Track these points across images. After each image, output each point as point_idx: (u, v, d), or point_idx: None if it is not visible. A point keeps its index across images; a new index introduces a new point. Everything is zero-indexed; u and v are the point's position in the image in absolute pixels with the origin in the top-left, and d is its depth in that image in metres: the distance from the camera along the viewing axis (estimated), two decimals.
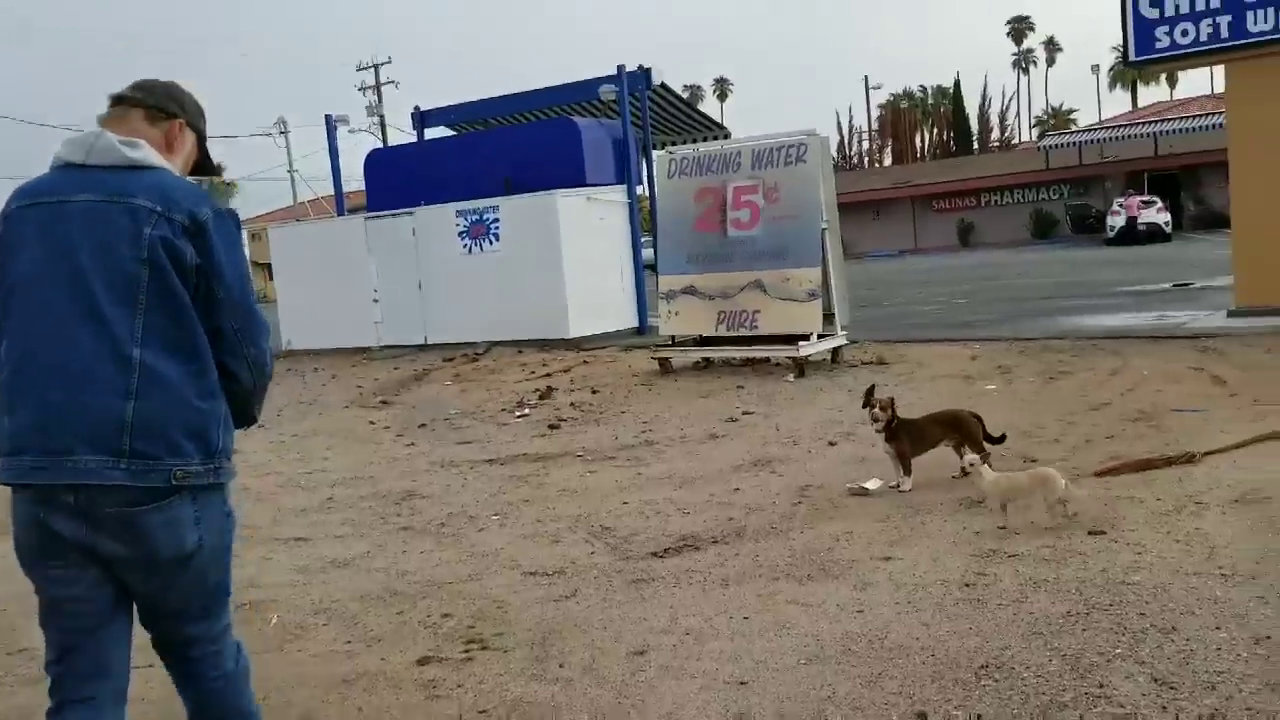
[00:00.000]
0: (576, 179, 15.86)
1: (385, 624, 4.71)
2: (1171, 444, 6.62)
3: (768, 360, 11.86)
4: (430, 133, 19.48)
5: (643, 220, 17.73)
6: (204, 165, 2.87)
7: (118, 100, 2.68)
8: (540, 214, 15.47)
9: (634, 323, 16.49)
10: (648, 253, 19.05)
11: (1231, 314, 12.61)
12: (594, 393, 11.14)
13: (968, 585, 4.47)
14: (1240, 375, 8.86)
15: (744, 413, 9.33)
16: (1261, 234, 12.26)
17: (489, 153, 17.02)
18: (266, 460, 8.84)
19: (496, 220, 15.90)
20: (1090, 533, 4.99)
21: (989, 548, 4.95)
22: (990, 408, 8.27)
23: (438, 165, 17.42)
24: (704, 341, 12.36)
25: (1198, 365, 9.56)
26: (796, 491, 6.37)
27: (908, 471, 6.10)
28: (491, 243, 15.97)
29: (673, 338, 12.49)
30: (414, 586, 5.19)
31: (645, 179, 16.90)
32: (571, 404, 10.57)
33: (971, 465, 5.47)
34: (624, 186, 16.48)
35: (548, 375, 12.65)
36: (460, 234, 16.25)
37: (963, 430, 6.14)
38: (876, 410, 6.19)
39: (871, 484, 6.16)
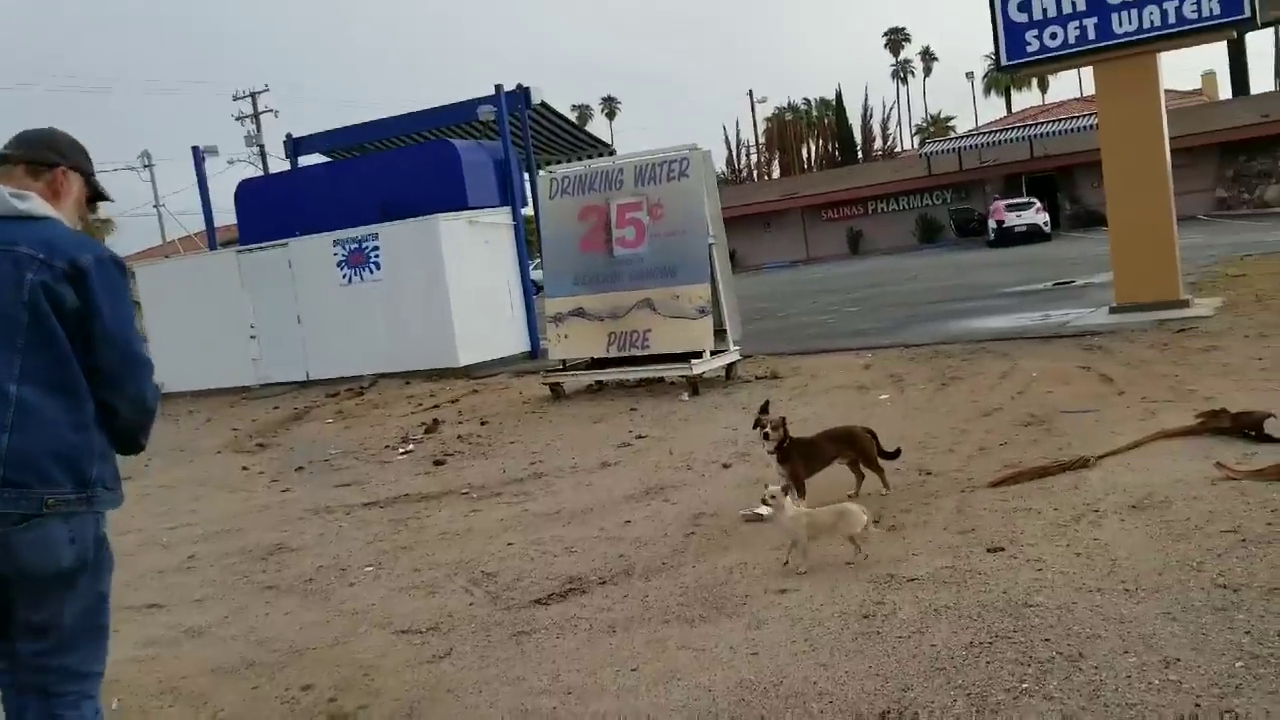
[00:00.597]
0: (458, 202, 15.42)
1: (238, 701, 4.25)
2: (1065, 448, 6.52)
3: (662, 380, 11.59)
4: (306, 160, 18.80)
5: (534, 241, 17.37)
6: (97, 198, 3.01)
7: (1, 159, 2.83)
8: (422, 239, 14.98)
9: (525, 347, 16.09)
10: (539, 274, 18.75)
11: (1113, 310, 12.79)
12: (483, 424, 10.71)
13: (866, 617, 4.21)
14: (1126, 373, 8.88)
15: (637, 436, 9.02)
16: (1136, 232, 12.45)
17: (366, 179, 16.47)
18: (128, 515, 8.18)
19: (376, 248, 15.35)
20: (989, 550, 4.79)
21: (887, 573, 4.71)
22: (884, 419, 8.14)
23: (313, 194, 16.80)
24: (596, 364, 12.04)
25: (1085, 364, 9.58)
26: (689, 521, 6.07)
27: (801, 493, 5.84)
28: (372, 271, 15.41)
29: (564, 361, 12.14)
30: (273, 655, 4.73)
31: (531, 200, 16.53)
32: (459, 437, 10.13)
33: (772, 498, 4.99)
34: (508, 208, 16.10)
35: (435, 407, 12.17)
36: (339, 263, 15.65)
37: (857, 447, 5.92)
38: (768, 429, 5.93)
39: (766, 509, 5.88)
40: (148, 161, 46.41)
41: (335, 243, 15.73)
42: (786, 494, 5.06)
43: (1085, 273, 20.51)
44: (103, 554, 2.75)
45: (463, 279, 15.06)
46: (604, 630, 4.52)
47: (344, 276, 15.68)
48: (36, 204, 2.74)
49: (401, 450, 9.85)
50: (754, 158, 78.17)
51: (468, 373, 14.76)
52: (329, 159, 19.12)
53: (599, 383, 12.03)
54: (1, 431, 2.54)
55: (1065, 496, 5.45)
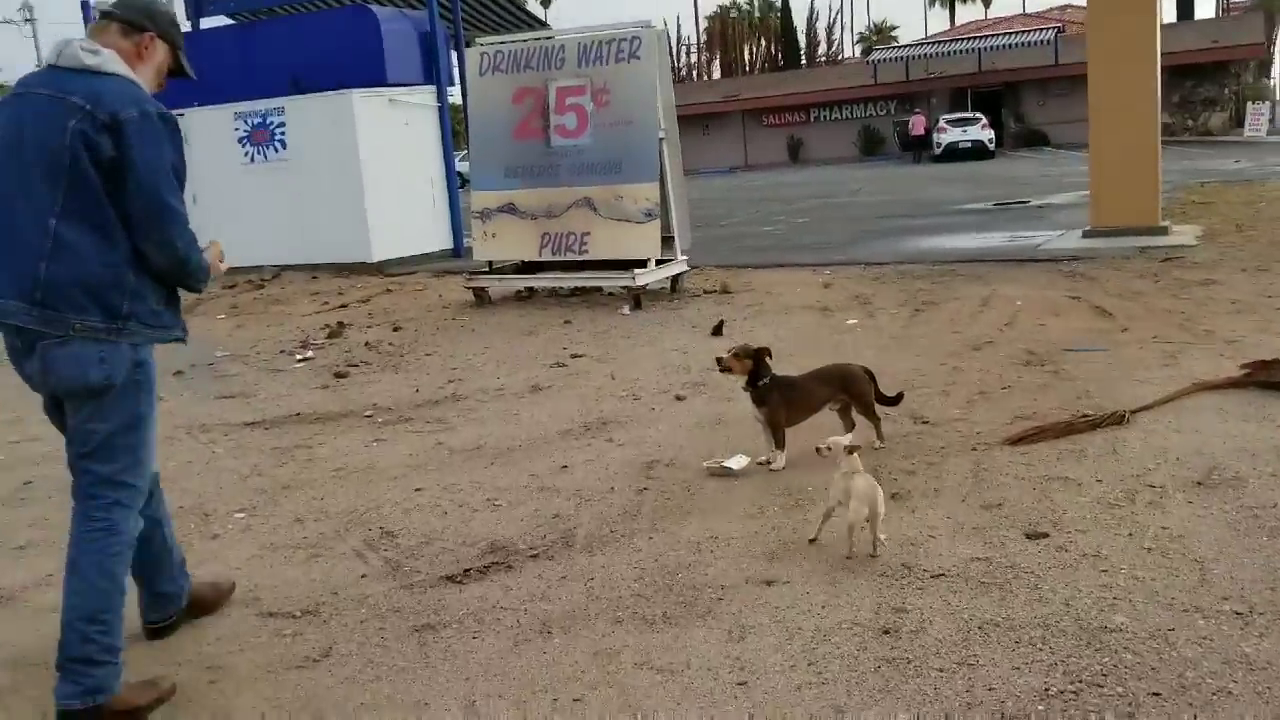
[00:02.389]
0: (376, 77, 13.78)
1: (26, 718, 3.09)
2: (1083, 397, 5.53)
3: (599, 290, 10.39)
4: (207, 23, 16.85)
5: (461, 130, 15.86)
6: (178, 70, 3.29)
7: (103, 14, 3.14)
8: (334, 117, 13.39)
9: (448, 244, 14.70)
10: (464, 165, 17.28)
11: (1087, 234, 11.88)
12: (395, 329, 9.44)
13: (887, 632, 3.17)
14: (1124, 305, 7.94)
15: (573, 355, 7.85)
16: (1120, 153, 11.46)
17: (274, 46, 14.62)
18: None
19: (282, 124, 13.73)
20: (1029, 536, 3.77)
21: (900, 561, 3.67)
22: (856, 349, 7.13)
23: (214, 60, 14.82)
24: (526, 267, 10.78)
25: (1073, 293, 8.63)
26: (640, 470, 4.96)
27: (780, 444, 4.76)
28: (277, 150, 13.81)
29: (490, 263, 10.86)
30: None
31: (459, 80, 14.98)
32: (366, 344, 8.86)
33: (830, 450, 3.88)
34: (432, 88, 14.51)
35: (343, 307, 10.85)
36: (241, 140, 14.01)
37: (853, 390, 4.83)
38: (728, 359, 4.77)
39: (735, 461, 4.80)
40: (29, 15, 42.84)
41: (237, 116, 14.07)
42: (852, 453, 3.82)
43: (1037, 193, 19.72)
44: (139, 377, 3.07)
45: (379, 164, 13.54)
46: (536, 630, 3.42)
47: (246, 155, 14.06)
48: (106, 59, 3.00)
49: (299, 357, 8.55)
50: (694, 56, 75.87)
51: (382, 269, 13.37)
52: (234, 21, 17.17)
53: (529, 289, 10.78)
54: (40, 260, 2.90)
55: (1106, 464, 4.45)
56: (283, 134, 13.78)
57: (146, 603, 3.51)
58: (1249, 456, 4.34)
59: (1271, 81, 60.36)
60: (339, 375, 7.74)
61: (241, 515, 4.81)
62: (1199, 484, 4.10)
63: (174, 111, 3.17)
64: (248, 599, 3.86)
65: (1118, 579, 3.36)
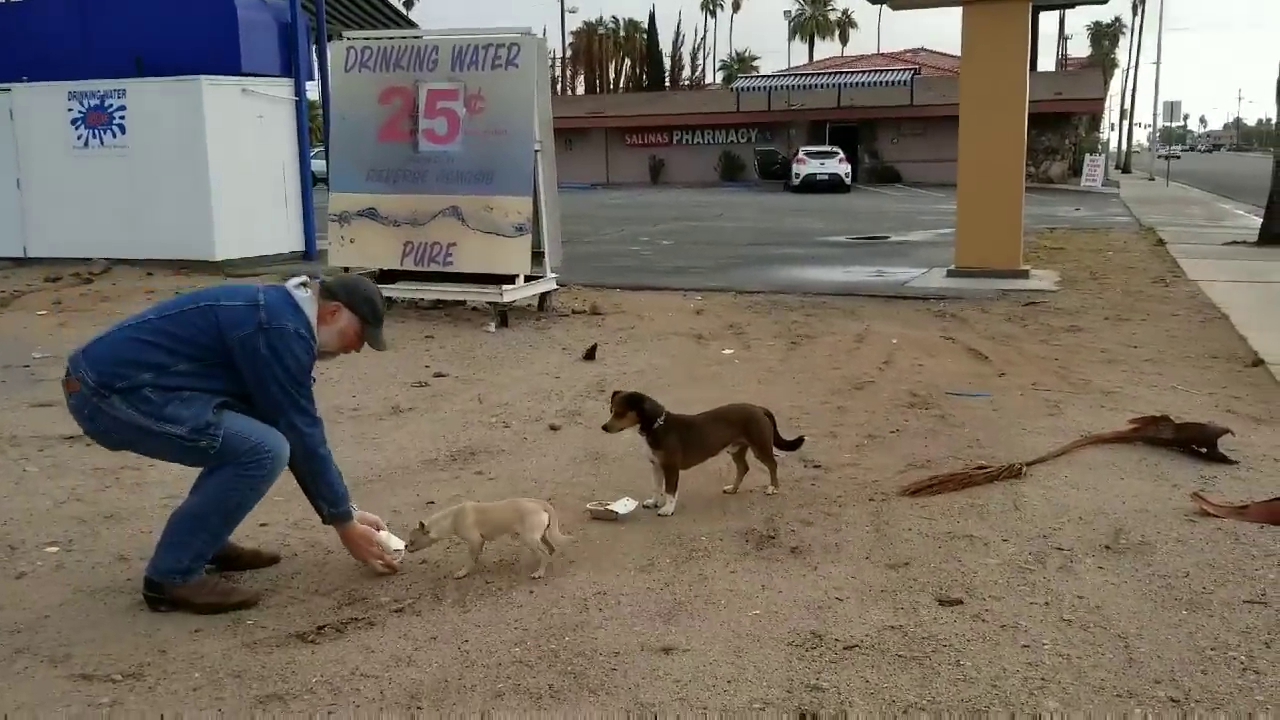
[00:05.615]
0: (230, 64, 12.90)
1: None
2: (973, 445, 5.38)
3: (463, 304, 9.88)
4: None
5: (316, 127, 15.03)
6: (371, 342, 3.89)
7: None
8: (180, 104, 12.45)
9: (299, 246, 13.88)
10: (319, 164, 16.44)
11: (951, 273, 12.05)
12: None
13: (804, 717, 2.84)
14: (998, 350, 7.94)
15: (436, 374, 7.35)
16: (986, 196, 11.70)
17: (117, 22, 13.49)
18: None
19: (123, 108, 12.69)
20: (942, 602, 3.52)
21: (808, 627, 3.36)
22: (735, 382, 6.87)
23: (48, 32, 13.75)
24: (385, 276, 10.16)
25: (946, 334, 8.63)
26: None
27: (672, 488, 4.40)
28: (115, 135, 12.74)
29: (345, 269, 10.19)
30: None
31: (319, 75, 14.23)
32: None
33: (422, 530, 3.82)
34: (290, 80, 13.69)
35: None
36: (74, 121, 12.89)
37: (753, 434, 4.51)
38: (612, 422, 4.37)
39: (621, 505, 4.43)
40: None
41: (71, 95, 12.94)
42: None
43: (895, 229, 20.13)
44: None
45: (228, 157, 12.66)
46: (402, 703, 2.95)
47: (79, 138, 12.93)
48: (304, 298, 3.62)
49: None
50: (559, 70, 75.62)
51: (224, 269, 12.48)
52: None
53: (388, 299, 10.10)
54: None
55: (1009, 520, 4.27)
56: (122, 118, 12.74)
57: None
58: (1152, 519, 4.22)
59: (1102, 135, 64.18)
60: None
61: (54, 550, 4.17)
62: (1107, 548, 3.93)
63: None
64: (57, 656, 3.26)
65: (1042, 656, 3.12)
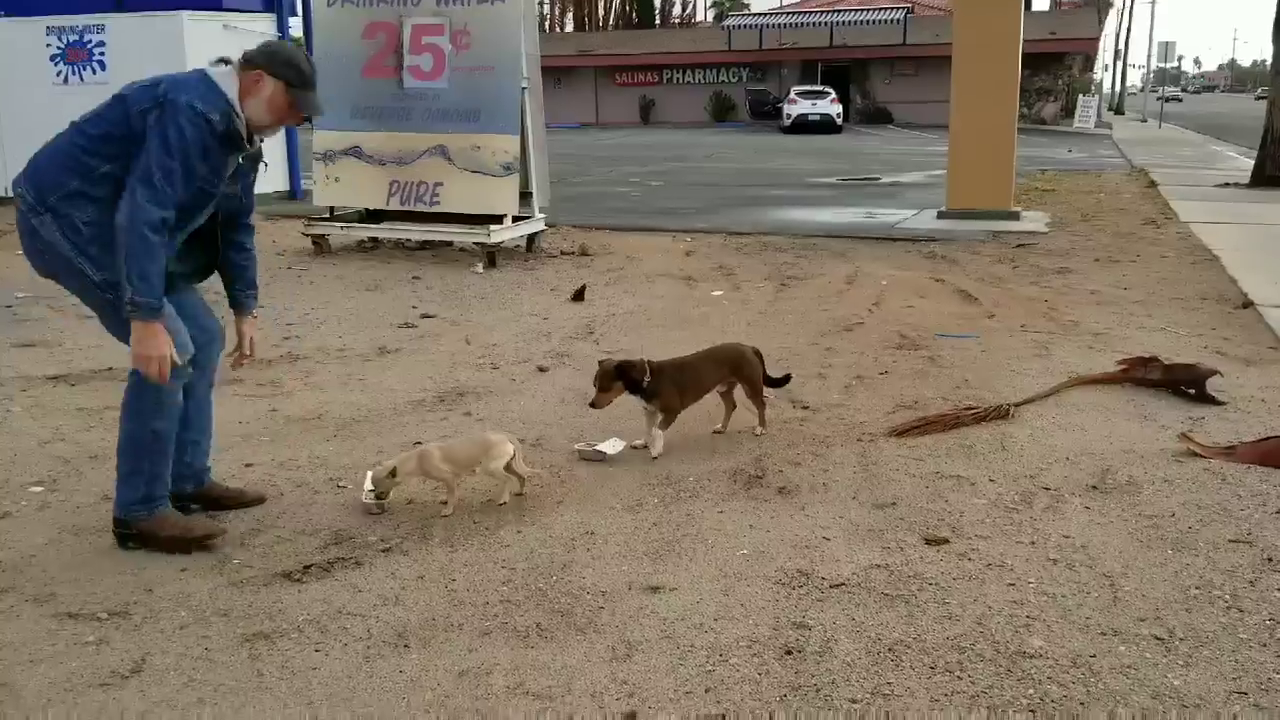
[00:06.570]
0: None
1: None
2: (961, 386, 5.37)
3: (450, 245, 9.79)
4: None
5: None
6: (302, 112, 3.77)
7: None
8: (161, 39, 12.20)
9: (283, 185, 13.71)
10: None
11: (941, 215, 11.98)
12: None
13: (790, 653, 2.85)
14: (987, 291, 7.91)
15: (423, 315, 7.30)
16: (978, 138, 11.60)
17: None
18: None
19: (102, 44, 12.46)
20: (928, 541, 3.52)
21: (795, 566, 3.37)
22: (725, 323, 6.84)
23: None
24: (371, 216, 10.08)
25: (935, 275, 8.59)
26: None
27: (665, 426, 4.38)
28: (95, 72, 12.52)
29: (331, 209, 10.10)
30: None
31: (301, 11, 13.95)
32: None
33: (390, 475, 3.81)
34: (272, 15, 13.46)
35: None
36: (53, 57, 12.66)
37: (743, 373, 4.49)
38: (598, 396, 4.31)
39: (609, 445, 4.42)
40: None
41: (50, 30, 12.69)
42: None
43: (886, 170, 19.98)
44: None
45: None
46: (390, 642, 2.96)
47: (58, 74, 12.71)
48: (222, 73, 3.45)
49: None
50: (547, 8, 74.35)
51: None
52: None
53: (373, 240, 10.10)
54: None
55: (996, 461, 4.27)
56: (102, 54, 12.51)
57: None
58: (1139, 459, 4.22)
59: (1095, 75, 63.60)
60: None
61: (39, 489, 4.15)
62: (1094, 488, 3.94)
63: None
64: (42, 595, 3.26)
65: (1028, 595, 3.14)
